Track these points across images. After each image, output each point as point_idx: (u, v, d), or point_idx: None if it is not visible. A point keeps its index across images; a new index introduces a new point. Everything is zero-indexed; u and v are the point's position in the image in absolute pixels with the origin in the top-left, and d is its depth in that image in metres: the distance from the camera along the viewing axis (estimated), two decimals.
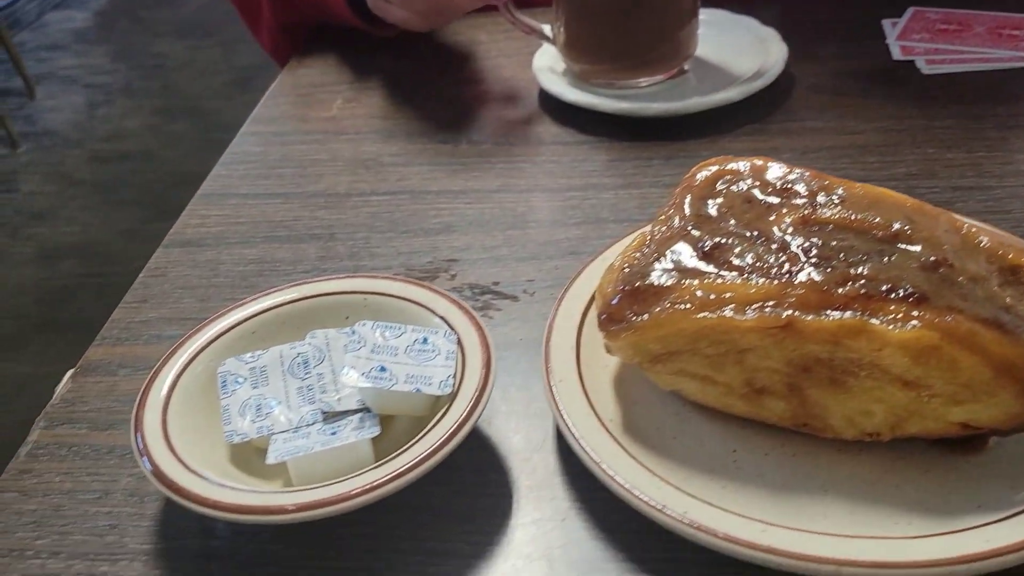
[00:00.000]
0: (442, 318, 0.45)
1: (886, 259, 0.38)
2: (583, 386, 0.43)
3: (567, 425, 0.41)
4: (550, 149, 0.68)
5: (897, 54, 0.74)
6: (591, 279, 0.48)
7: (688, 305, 0.39)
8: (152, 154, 2.82)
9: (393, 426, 0.43)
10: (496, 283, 0.55)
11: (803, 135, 0.66)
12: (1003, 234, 0.39)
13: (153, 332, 0.54)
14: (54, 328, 2.09)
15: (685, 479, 0.39)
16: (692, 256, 0.40)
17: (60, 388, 0.50)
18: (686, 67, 0.74)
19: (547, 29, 0.74)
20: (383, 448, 0.41)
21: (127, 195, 2.61)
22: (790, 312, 0.37)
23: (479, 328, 0.44)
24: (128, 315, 0.55)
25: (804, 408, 0.40)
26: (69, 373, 0.51)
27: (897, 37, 0.76)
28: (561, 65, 0.74)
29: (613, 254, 0.50)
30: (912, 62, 0.73)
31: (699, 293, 0.39)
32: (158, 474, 0.38)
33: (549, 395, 0.43)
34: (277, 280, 0.57)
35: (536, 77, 0.74)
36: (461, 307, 0.45)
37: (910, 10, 0.80)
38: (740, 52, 0.75)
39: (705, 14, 0.79)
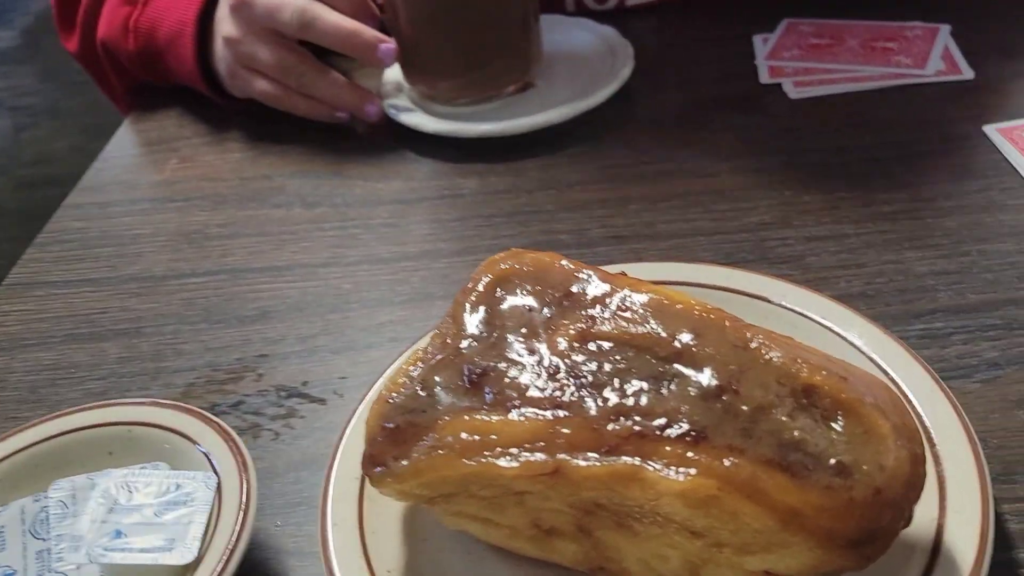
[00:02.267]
0: (206, 455, 0.40)
1: (664, 386, 0.33)
2: (361, 530, 0.38)
3: None
4: (388, 210, 0.62)
5: (765, 77, 0.69)
6: None
7: (448, 451, 0.34)
8: (78, 177, 2.74)
9: None
10: (305, 383, 0.49)
11: (656, 181, 0.60)
12: (800, 346, 0.34)
13: None
14: None
15: None
16: (459, 386, 0.35)
17: None
18: (535, 82, 0.69)
19: None
20: None
21: None
22: (559, 456, 0.32)
23: (244, 471, 0.38)
24: None
25: (597, 551, 0.35)
26: None
27: (767, 56, 0.71)
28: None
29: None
30: (780, 85, 0.68)
31: (463, 435, 0.34)
32: None
33: (320, 543, 0.37)
34: (68, 391, 0.51)
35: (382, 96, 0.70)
36: (230, 442, 0.40)
37: (783, 22, 0.75)
38: (593, 70, 0.70)
39: (569, 22, 0.75)
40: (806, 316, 0.44)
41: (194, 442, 0.40)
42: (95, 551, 0.35)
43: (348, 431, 0.42)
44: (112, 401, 0.43)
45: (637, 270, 0.42)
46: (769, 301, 0.45)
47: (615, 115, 0.67)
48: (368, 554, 0.37)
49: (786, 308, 0.45)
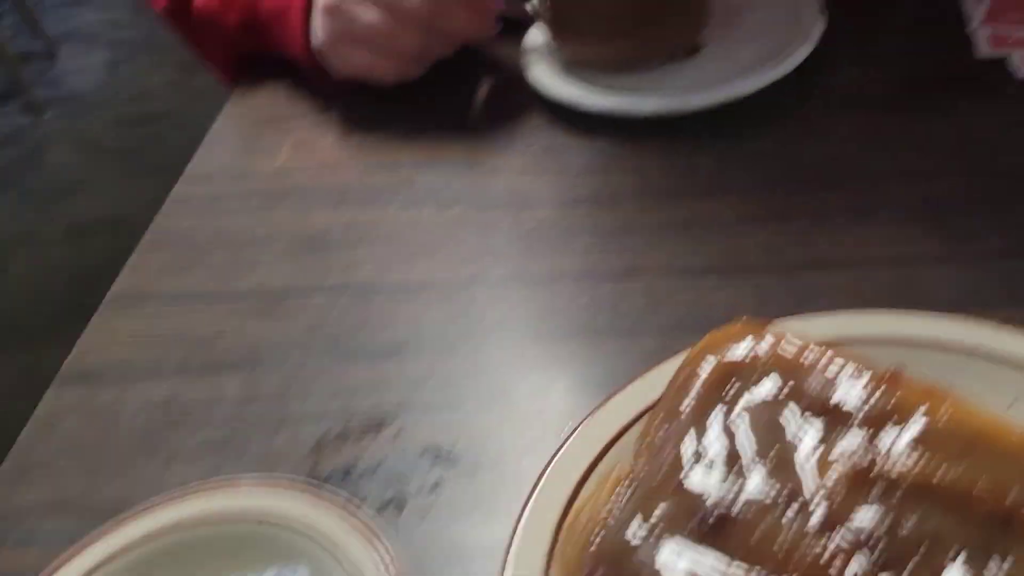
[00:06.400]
0: (353, 567, 0.33)
1: (995, 567, 0.24)
2: None
3: None
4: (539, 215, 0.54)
5: (985, 49, 0.57)
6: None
7: None
8: (176, 113, 2.72)
9: None
10: (455, 443, 0.42)
11: (856, 185, 0.50)
12: None
13: (25, 527, 0.42)
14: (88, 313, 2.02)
15: None
16: (692, 533, 0.27)
17: None
18: (703, 44, 0.61)
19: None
20: None
21: (153, 160, 2.52)
22: None
23: None
24: None
25: None
26: None
27: (984, 20, 0.59)
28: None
29: (624, 403, 0.36)
30: (1003, 61, 0.56)
31: None
32: None
33: None
34: (186, 438, 0.45)
35: (524, 65, 0.62)
36: (381, 552, 0.33)
37: None
38: (768, 27, 0.60)
39: None
40: None
41: (331, 550, 0.33)
42: None
43: (527, 519, 0.34)
44: (244, 480, 0.37)
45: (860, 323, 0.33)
46: None
47: (795, 93, 0.56)
48: None
49: None
